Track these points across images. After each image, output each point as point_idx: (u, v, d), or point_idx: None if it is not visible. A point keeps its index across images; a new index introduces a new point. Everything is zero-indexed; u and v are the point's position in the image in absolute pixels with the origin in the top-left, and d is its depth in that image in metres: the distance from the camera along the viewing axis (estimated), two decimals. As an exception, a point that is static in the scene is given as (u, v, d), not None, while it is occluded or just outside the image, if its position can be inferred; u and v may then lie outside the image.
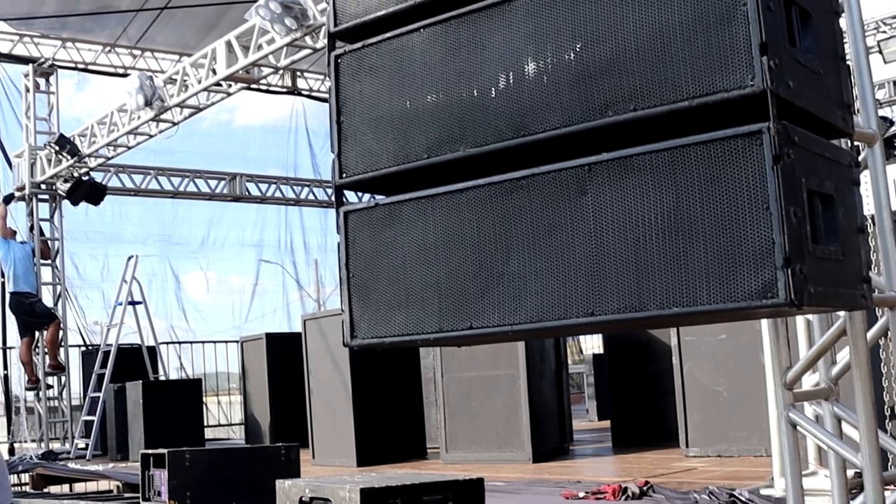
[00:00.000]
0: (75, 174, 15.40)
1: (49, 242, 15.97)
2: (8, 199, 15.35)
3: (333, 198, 3.57)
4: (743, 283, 2.71)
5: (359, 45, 3.53)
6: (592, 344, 21.49)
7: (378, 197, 3.46)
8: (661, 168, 2.88)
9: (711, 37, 2.83)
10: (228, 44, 10.66)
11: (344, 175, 3.50)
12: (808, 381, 5.17)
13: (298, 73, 17.37)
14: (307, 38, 9.66)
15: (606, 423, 13.24)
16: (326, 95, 3.62)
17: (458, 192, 3.22)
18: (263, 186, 18.44)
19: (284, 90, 17.63)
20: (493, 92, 3.18)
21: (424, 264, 3.27)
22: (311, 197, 18.97)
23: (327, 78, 3.56)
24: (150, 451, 8.02)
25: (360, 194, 4.00)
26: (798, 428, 4.09)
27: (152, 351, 15.58)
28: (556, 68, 3.07)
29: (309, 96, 18.98)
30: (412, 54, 3.38)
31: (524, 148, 3.13)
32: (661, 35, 2.91)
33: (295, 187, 18.86)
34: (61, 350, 15.66)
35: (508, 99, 3.15)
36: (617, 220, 2.93)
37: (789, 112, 2.89)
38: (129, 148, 14.57)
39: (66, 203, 15.87)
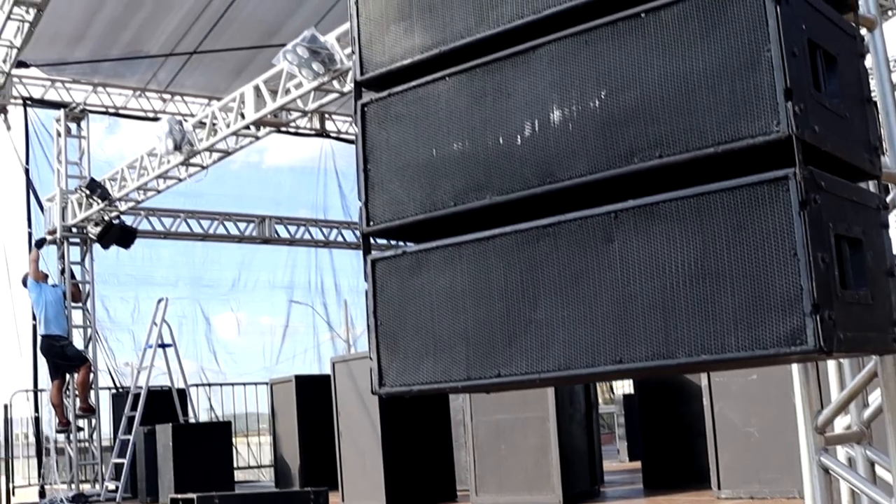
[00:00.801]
0: (106, 218, 15.51)
1: (80, 285, 16.06)
2: (40, 243, 15.47)
3: (361, 246, 3.58)
4: (771, 330, 2.70)
5: (385, 93, 3.56)
6: (623, 384, 21.36)
7: (405, 244, 3.47)
8: (687, 214, 2.88)
9: (736, 83, 2.84)
10: (257, 88, 10.75)
11: (371, 223, 3.52)
12: (840, 424, 5.12)
13: (327, 116, 17.50)
14: (335, 82, 9.72)
15: (637, 464, 13.13)
16: (354, 138, 3.65)
17: (485, 240, 3.23)
18: (293, 228, 18.51)
19: (313, 132, 17.75)
20: (519, 139, 3.19)
21: (452, 312, 3.27)
22: (340, 238, 19.03)
23: (354, 115, 3.58)
24: (179, 496, 8.05)
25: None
26: (830, 472, 4.05)
27: (182, 393, 15.60)
28: (582, 115, 3.08)
29: (337, 138, 19.09)
30: (438, 102, 3.40)
31: (550, 195, 3.13)
32: (685, 82, 2.92)
33: (324, 229, 18.93)
34: (92, 392, 15.71)
35: (534, 146, 3.16)
36: (644, 266, 2.92)
37: (816, 157, 2.88)
38: (159, 192, 14.68)
39: (96, 246, 15.98)
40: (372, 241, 3.61)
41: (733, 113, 2.83)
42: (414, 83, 3.47)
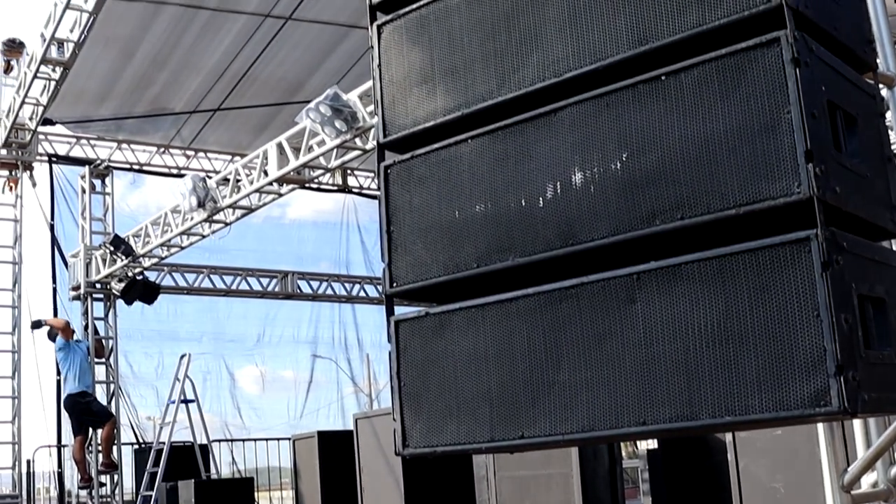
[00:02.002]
0: (129, 274, 15.59)
1: (103, 341, 16.11)
2: (36, 324, 15.32)
3: (385, 306, 3.60)
4: (795, 392, 2.70)
5: (408, 155, 3.59)
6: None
7: (428, 305, 3.49)
8: (709, 276, 2.88)
9: (756, 144, 2.85)
10: (280, 146, 10.83)
11: (394, 284, 3.54)
12: (867, 481, 5.07)
13: (349, 171, 17.58)
14: (357, 140, 9.79)
15: (662, 520, 13.01)
16: (377, 193, 3.68)
17: (508, 302, 3.24)
18: (315, 284, 18.55)
19: (335, 188, 17.84)
20: (541, 201, 3.21)
21: (475, 373, 3.28)
22: (363, 294, 19.05)
23: (377, 177, 3.61)
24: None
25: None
26: (857, 531, 4.01)
27: (204, 449, 15.58)
28: (603, 177, 3.10)
29: (360, 193, 19.17)
30: (461, 164, 3.43)
31: (573, 257, 3.15)
32: (706, 143, 2.94)
33: (347, 284, 18.96)
34: (115, 448, 15.70)
35: (556, 208, 3.18)
36: (667, 328, 2.93)
37: (837, 217, 2.89)
38: (183, 248, 14.75)
39: (120, 301, 16.04)
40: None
41: (754, 174, 2.84)
42: (437, 145, 3.50)
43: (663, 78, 3.04)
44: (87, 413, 14.72)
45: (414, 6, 3.68)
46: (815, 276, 2.71)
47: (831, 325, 2.67)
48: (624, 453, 17.06)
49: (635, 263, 3.02)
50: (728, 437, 9.21)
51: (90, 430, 15.22)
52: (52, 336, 14.82)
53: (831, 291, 2.69)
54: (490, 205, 3.32)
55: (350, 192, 18.77)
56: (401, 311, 3.58)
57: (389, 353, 3.50)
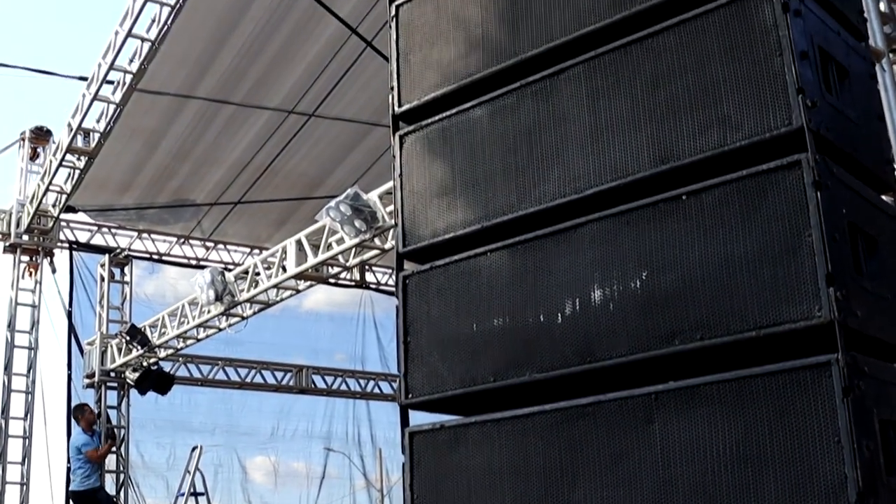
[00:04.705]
0: (144, 363, 15.56)
1: (115, 430, 16.02)
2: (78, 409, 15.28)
3: (399, 417, 3.57)
4: (815, 520, 2.65)
5: (427, 266, 3.60)
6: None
7: (444, 418, 3.46)
8: (728, 398, 2.86)
9: (777, 267, 2.85)
10: (299, 242, 10.85)
11: (410, 395, 3.52)
12: None
13: (367, 267, 17.60)
14: (376, 240, 9.81)
15: None
16: (394, 289, 3.68)
17: (524, 418, 3.22)
18: (330, 379, 18.45)
19: (352, 283, 17.86)
20: (560, 318, 3.20)
21: (489, 489, 3.24)
22: (377, 390, 18.94)
23: (394, 274, 3.62)
24: None
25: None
26: None
27: (213, 543, 15.39)
28: (623, 296, 3.10)
29: (377, 289, 19.17)
30: (479, 277, 3.43)
31: (590, 374, 3.13)
32: (726, 264, 2.93)
33: (361, 380, 18.86)
34: (121, 539, 15.53)
35: (574, 325, 3.17)
36: (685, 449, 2.89)
37: (858, 341, 2.87)
38: (199, 340, 14.74)
39: (133, 391, 15.98)
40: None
41: (774, 297, 2.83)
42: (456, 257, 3.51)
43: (684, 197, 3.04)
44: (92, 503, 14.57)
45: (437, 118, 3.72)
46: (836, 401, 2.68)
47: (852, 451, 2.63)
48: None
49: (653, 383, 3.00)
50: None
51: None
52: (77, 421, 14.67)
53: (853, 417, 2.66)
54: (508, 319, 3.31)
55: (367, 287, 18.78)
56: (416, 420, 3.56)
57: (403, 465, 3.47)
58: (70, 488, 14.40)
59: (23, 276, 16.28)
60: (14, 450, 15.81)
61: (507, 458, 3.22)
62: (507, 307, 3.33)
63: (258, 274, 11.75)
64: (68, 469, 15.15)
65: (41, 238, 16.05)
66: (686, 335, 2.95)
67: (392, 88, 3.93)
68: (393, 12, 4.04)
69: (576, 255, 3.22)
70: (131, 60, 11.51)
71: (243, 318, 13.34)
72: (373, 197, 9.37)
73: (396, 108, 3.90)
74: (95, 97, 12.02)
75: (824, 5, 3.32)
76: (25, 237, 15.86)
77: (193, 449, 15.09)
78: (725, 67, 3.06)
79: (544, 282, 3.27)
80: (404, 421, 3.54)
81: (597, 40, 3.37)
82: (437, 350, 3.47)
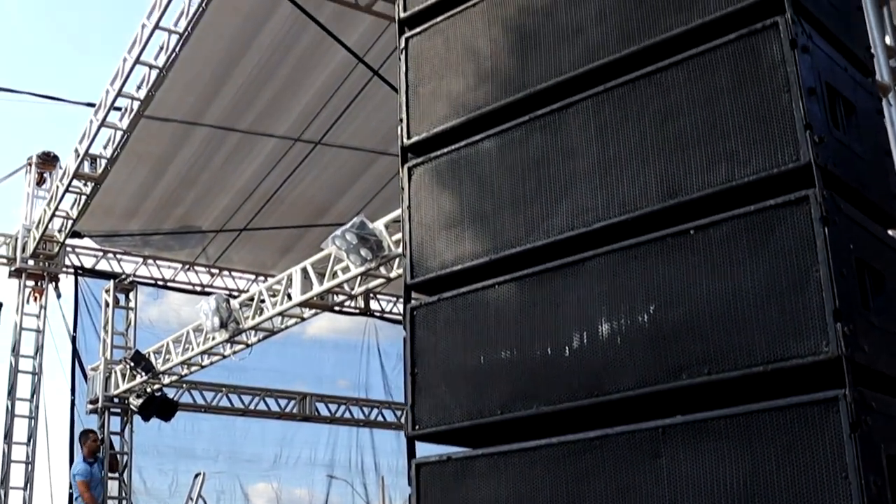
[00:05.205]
0: (148, 390, 15.55)
1: (117, 456, 15.99)
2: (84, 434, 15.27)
3: (406, 448, 3.57)
4: (823, 556, 2.65)
5: (434, 298, 3.60)
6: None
7: (451, 449, 3.46)
8: (736, 433, 2.86)
9: (785, 302, 2.85)
10: (304, 270, 10.87)
11: (417, 427, 3.52)
12: None
13: (371, 295, 17.59)
14: (382, 268, 9.82)
15: None
16: (398, 317, 3.70)
17: (531, 450, 3.21)
18: (333, 406, 18.42)
19: (357, 311, 17.85)
20: (567, 351, 3.21)
21: (496, 522, 3.24)
22: (380, 418, 18.91)
23: (400, 300, 3.63)
24: None
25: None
26: None
27: (214, 572, 15.34)
28: (630, 329, 3.10)
29: (381, 317, 19.17)
30: (487, 310, 3.43)
31: (598, 407, 3.13)
32: (734, 299, 2.94)
33: (365, 408, 18.82)
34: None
35: (582, 358, 3.17)
36: (692, 484, 2.89)
37: (866, 376, 2.87)
38: (203, 367, 14.73)
39: (137, 417, 15.95)
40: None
41: (782, 332, 2.84)
42: (463, 289, 3.52)
43: (692, 232, 3.05)
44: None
45: (445, 150, 3.74)
46: (843, 436, 2.68)
47: (860, 487, 2.63)
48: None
49: (661, 417, 3.00)
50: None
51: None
52: (82, 444, 14.64)
53: (860, 453, 2.66)
54: (516, 352, 3.32)
55: (372, 315, 18.78)
56: (423, 452, 3.56)
57: (409, 496, 3.47)
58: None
59: (28, 301, 16.31)
60: (17, 475, 15.79)
61: (513, 490, 3.22)
62: (515, 340, 3.34)
63: (263, 301, 11.76)
64: (70, 496, 15.14)
65: (46, 263, 16.09)
66: (694, 369, 2.96)
67: (401, 120, 3.95)
68: (402, 44, 4.07)
69: (584, 289, 3.22)
70: (139, 87, 11.58)
71: (248, 346, 13.34)
72: (379, 226, 9.39)
73: (405, 140, 3.92)
74: (103, 123, 12.08)
75: (831, 41, 3.34)
76: (31, 262, 15.90)
77: (196, 476, 15.07)
78: (733, 103, 3.07)
79: (552, 315, 3.27)
80: (411, 452, 3.54)
81: (606, 75, 3.39)
82: (445, 382, 3.48)
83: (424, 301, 3.62)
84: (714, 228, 3.02)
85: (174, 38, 10.82)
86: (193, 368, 14.79)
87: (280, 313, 11.65)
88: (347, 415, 18.50)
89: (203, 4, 10.47)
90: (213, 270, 17.77)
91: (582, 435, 3.13)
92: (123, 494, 16.02)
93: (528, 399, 3.26)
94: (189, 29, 10.75)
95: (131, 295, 16.52)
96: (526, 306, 3.34)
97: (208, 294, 13.86)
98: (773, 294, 2.87)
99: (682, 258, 3.05)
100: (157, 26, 10.68)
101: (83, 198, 13.70)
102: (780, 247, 2.90)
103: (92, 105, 12.57)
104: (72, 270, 16.97)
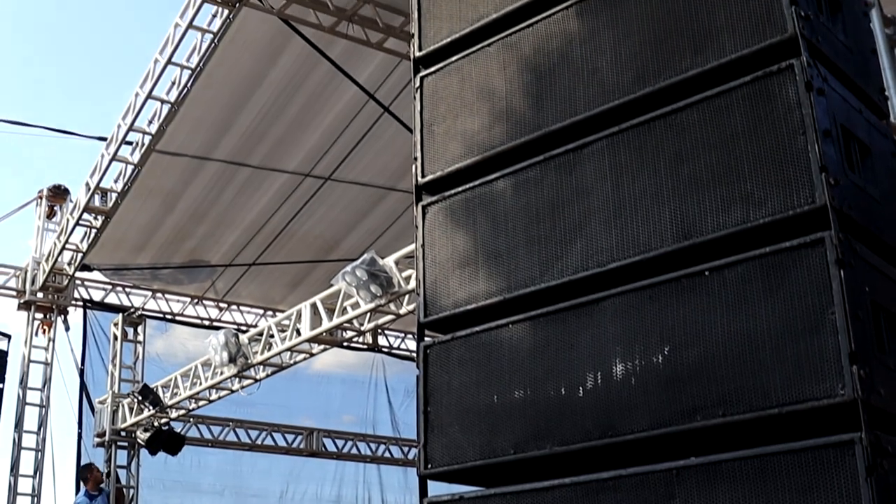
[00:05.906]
0: (155, 424, 15.51)
1: (124, 490, 15.94)
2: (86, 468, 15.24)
3: (418, 487, 3.56)
4: None
5: (448, 336, 3.60)
6: None
7: (463, 489, 3.45)
8: (750, 475, 2.84)
9: (800, 344, 2.84)
10: (314, 306, 10.86)
11: (429, 466, 3.50)
12: None
13: (379, 331, 17.57)
14: (391, 305, 9.80)
15: None
16: (406, 353, 3.69)
17: (544, 490, 3.20)
18: (340, 442, 18.35)
19: (365, 347, 17.81)
20: (581, 391, 3.20)
21: (509, 564, 3.22)
22: (387, 454, 18.82)
23: (408, 336, 3.63)
24: None
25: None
26: None
27: None
28: (645, 370, 3.09)
29: (389, 353, 19.12)
30: (501, 349, 3.43)
31: (611, 448, 3.12)
32: (749, 341, 2.93)
33: (372, 444, 18.74)
34: None
35: (596, 399, 3.16)
36: (706, 527, 2.88)
37: (882, 419, 2.86)
38: (211, 401, 14.69)
39: (143, 450, 15.90)
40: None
41: (797, 374, 2.83)
42: (477, 328, 3.52)
43: (707, 273, 3.05)
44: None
45: (460, 189, 3.75)
46: (859, 480, 2.67)
47: (876, 531, 2.61)
48: None
49: (675, 458, 2.99)
50: None
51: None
52: (85, 480, 14.61)
53: (876, 496, 2.65)
54: (529, 391, 3.31)
55: (380, 351, 18.74)
56: (435, 491, 3.55)
57: (420, 536, 3.45)
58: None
59: (36, 334, 16.30)
60: (23, 508, 15.74)
61: (526, 531, 3.21)
62: (529, 379, 3.33)
63: (272, 336, 11.75)
64: (73, 527, 15.06)
65: (56, 296, 16.09)
66: (708, 411, 2.95)
67: (416, 159, 3.96)
68: (418, 83, 4.09)
69: (598, 329, 3.22)
70: (150, 122, 11.63)
71: (256, 381, 13.31)
72: (389, 262, 9.38)
73: (420, 179, 3.93)
74: (114, 157, 12.12)
75: (846, 83, 3.35)
76: (40, 294, 15.90)
77: (202, 511, 14.98)
78: (749, 145, 3.08)
79: (566, 355, 3.27)
80: (423, 491, 3.52)
81: (621, 115, 3.41)
82: (458, 420, 3.47)
83: (438, 339, 3.62)
84: (729, 270, 3.02)
85: (186, 73, 10.87)
86: (201, 403, 14.75)
87: (289, 349, 11.63)
88: (354, 450, 18.43)
89: (215, 40, 10.53)
90: (222, 305, 17.75)
91: (595, 476, 3.12)
92: (128, 529, 15.95)
93: (541, 439, 3.25)
94: (201, 64, 10.80)
95: (140, 328, 16.51)
96: (540, 346, 3.34)
97: (217, 328, 13.86)
98: (789, 336, 2.86)
99: (697, 299, 3.05)
100: (169, 61, 10.74)
101: (93, 231, 13.72)
102: (795, 289, 2.89)
103: (103, 139, 12.63)
104: (80, 303, 16.96)
